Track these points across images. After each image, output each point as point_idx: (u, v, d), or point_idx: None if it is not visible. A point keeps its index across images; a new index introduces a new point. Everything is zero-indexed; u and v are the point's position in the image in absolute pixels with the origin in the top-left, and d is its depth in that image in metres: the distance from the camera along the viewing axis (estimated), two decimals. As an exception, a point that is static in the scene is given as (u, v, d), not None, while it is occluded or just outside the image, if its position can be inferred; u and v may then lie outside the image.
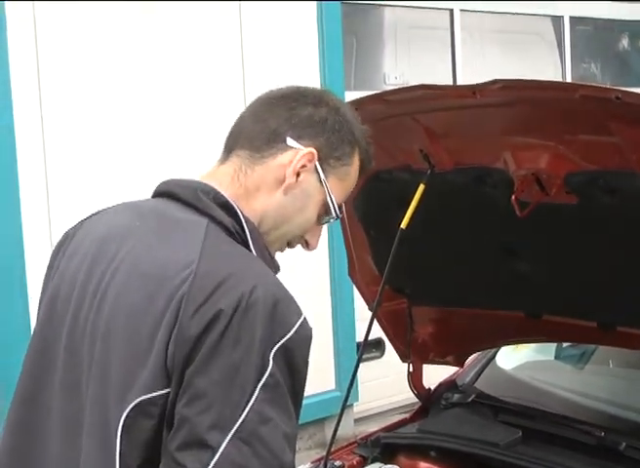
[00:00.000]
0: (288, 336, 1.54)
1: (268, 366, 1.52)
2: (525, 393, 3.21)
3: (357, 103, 2.41)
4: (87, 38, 4.96)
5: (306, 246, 1.83)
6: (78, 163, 4.92)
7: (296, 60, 5.75)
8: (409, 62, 6.79)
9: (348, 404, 6.22)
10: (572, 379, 3.35)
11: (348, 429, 5.88)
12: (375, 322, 2.99)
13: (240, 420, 1.49)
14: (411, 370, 3.26)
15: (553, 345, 3.53)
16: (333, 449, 3.23)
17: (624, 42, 8.42)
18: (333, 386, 6.12)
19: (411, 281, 3.04)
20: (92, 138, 4.97)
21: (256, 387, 1.50)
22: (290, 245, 1.83)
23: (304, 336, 1.59)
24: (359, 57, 6.60)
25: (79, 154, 4.93)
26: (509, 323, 2.97)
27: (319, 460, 3.12)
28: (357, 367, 2.64)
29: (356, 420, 6.21)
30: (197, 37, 5.38)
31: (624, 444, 2.67)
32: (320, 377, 5.94)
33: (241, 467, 1.48)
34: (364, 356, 6.48)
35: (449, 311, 3.11)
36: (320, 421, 6.08)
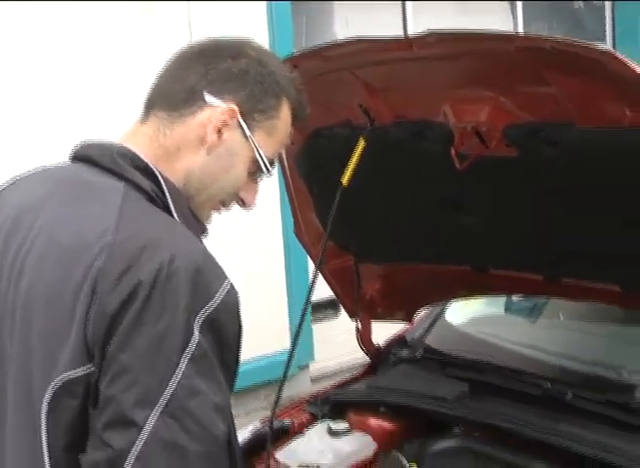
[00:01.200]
0: (213, 305, 1.50)
1: (194, 336, 1.47)
2: (474, 347, 3.21)
3: (294, 60, 2.37)
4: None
5: (243, 204, 1.78)
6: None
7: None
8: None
9: (304, 363, 6.27)
10: (521, 333, 3.36)
11: (305, 389, 5.89)
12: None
13: (167, 394, 1.44)
14: (359, 327, 3.26)
15: (503, 299, 3.53)
16: (283, 408, 3.23)
17: (579, 2, 8.41)
18: (287, 346, 6.09)
19: (356, 238, 3.02)
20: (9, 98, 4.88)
21: (182, 359, 1.46)
22: (224, 204, 1.77)
23: (231, 304, 1.54)
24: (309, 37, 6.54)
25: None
26: (456, 277, 2.97)
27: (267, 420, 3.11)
28: (300, 326, 2.60)
29: (313, 380, 6.23)
30: (146, 37, 5.30)
31: (571, 394, 2.69)
32: (275, 338, 5.94)
33: (170, 443, 1.44)
34: (319, 316, 6.54)
35: (395, 267, 3.10)
36: (275, 381, 6.07)
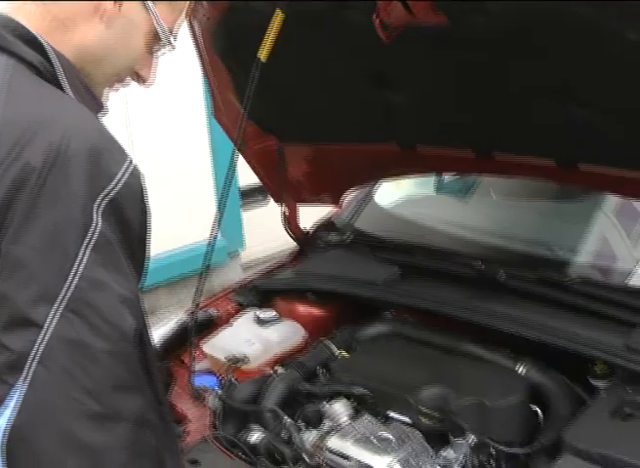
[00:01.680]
0: (114, 189, 1.36)
1: (94, 223, 1.33)
2: (404, 229, 3.12)
3: None
4: None
5: (140, 81, 1.63)
6: None
7: None
8: None
9: (234, 251, 6.17)
10: (453, 213, 3.26)
11: (236, 276, 5.81)
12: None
13: (67, 289, 1.31)
14: (285, 211, 3.14)
15: (434, 180, 3.43)
16: (209, 298, 3.13)
17: None
18: (217, 234, 5.98)
19: (278, 118, 2.87)
20: None
21: (82, 249, 1.33)
22: (120, 80, 1.61)
23: (135, 186, 1.40)
24: None
25: None
26: (384, 157, 2.85)
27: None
28: (221, 214, 2.46)
29: (244, 267, 6.14)
30: None
31: (503, 273, 2.62)
32: (203, 226, 5.80)
33: (74, 342, 1.32)
34: (249, 202, 6.39)
35: (320, 148, 2.96)
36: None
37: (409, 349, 2.56)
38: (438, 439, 2.27)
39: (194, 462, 2.24)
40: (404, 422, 2.30)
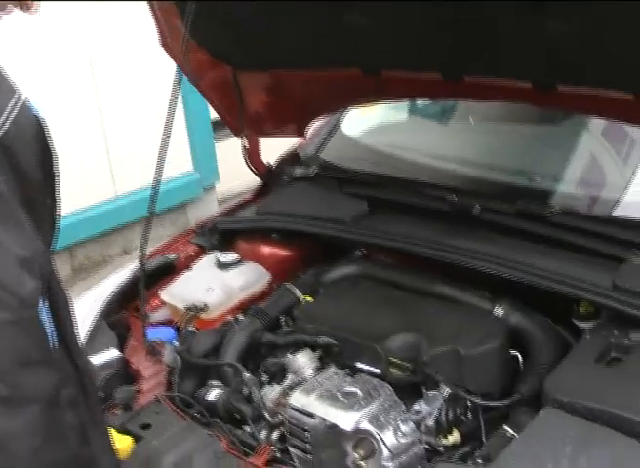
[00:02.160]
0: (1, 129, 1.15)
1: None
2: (374, 160, 2.90)
3: None
4: None
5: (25, 7, 1.39)
6: None
7: None
8: None
9: (209, 184, 5.94)
10: (427, 140, 3.03)
11: (212, 211, 5.58)
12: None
13: None
14: (246, 144, 2.91)
15: (406, 106, 3.18)
16: (168, 241, 2.92)
17: None
18: (191, 168, 5.76)
19: (230, 43, 2.61)
20: None
21: None
22: (2, 8, 1.38)
23: (27, 125, 1.20)
24: None
25: None
26: (347, 83, 2.60)
27: (154, 254, 2.81)
28: (164, 145, 2.22)
29: (220, 201, 5.92)
30: None
31: (478, 206, 2.41)
32: (176, 160, 5.57)
33: None
34: (222, 134, 6.13)
35: (280, 76, 2.72)
36: (181, 206, 5.78)
37: (378, 292, 2.37)
38: (410, 391, 2.09)
39: (145, 426, 2.05)
40: (373, 374, 2.12)
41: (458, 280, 2.33)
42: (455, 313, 2.21)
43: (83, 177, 5.08)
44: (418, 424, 1.99)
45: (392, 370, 2.10)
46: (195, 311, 2.48)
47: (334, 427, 1.96)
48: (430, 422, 2.00)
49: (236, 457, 1.92)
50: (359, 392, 2.03)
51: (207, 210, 5.60)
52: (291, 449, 2.06)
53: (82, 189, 5.08)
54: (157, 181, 2.25)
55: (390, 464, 1.93)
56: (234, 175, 5.96)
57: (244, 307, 2.54)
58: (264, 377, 2.26)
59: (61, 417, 1.29)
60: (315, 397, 2.03)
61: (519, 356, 2.12)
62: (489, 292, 2.26)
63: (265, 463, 1.89)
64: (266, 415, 2.09)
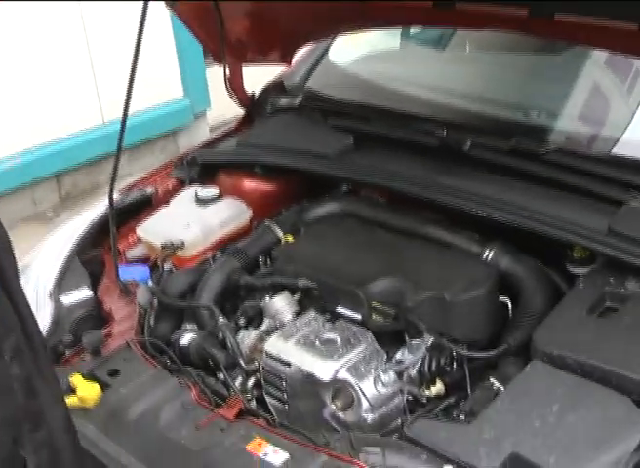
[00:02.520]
0: None
1: None
2: (362, 90, 2.75)
3: None
4: None
5: None
6: None
7: None
8: None
9: (200, 111, 5.78)
10: (417, 71, 2.86)
11: (203, 138, 5.45)
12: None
13: None
14: (228, 73, 2.75)
15: (398, 34, 3.01)
16: (149, 173, 2.79)
17: None
18: (181, 94, 5.59)
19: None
20: None
21: None
22: None
23: None
24: None
25: None
26: (333, 8, 2.43)
27: (133, 186, 2.68)
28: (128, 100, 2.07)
29: (212, 129, 5.76)
30: None
31: (469, 142, 2.27)
32: (166, 86, 5.42)
33: None
34: (211, 62, 5.94)
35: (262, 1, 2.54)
36: (171, 133, 5.63)
37: (362, 232, 2.24)
38: (392, 339, 1.99)
39: (113, 373, 1.95)
40: (354, 320, 2.01)
41: (445, 221, 2.20)
42: (441, 256, 2.09)
43: (69, 103, 4.93)
44: (399, 374, 1.89)
45: (374, 316, 1.99)
46: (171, 249, 2.37)
47: (311, 377, 1.86)
48: (413, 372, 1.90)
49: (206, 408, 1.82)
50: (338, 339, 1.93)
51: (198, 137, 5.45)
52: (267, 398, 1.97)
53: (68, 115, 4.93)
54: (125, 114, 2.10)
55: (369, 416, 1.84)
56: (226, 102, 5.81)
57: (223, 245, 2.42)
58: (242, 321, 2.15)
59: (5, 369, 1.21)
60: (292, 344, 1.93)
61: (509, 302, 2.01)
62: (478, 235, 2.14)
63: (236, 415, 1.79)
64: (241, 362, 1.99)
